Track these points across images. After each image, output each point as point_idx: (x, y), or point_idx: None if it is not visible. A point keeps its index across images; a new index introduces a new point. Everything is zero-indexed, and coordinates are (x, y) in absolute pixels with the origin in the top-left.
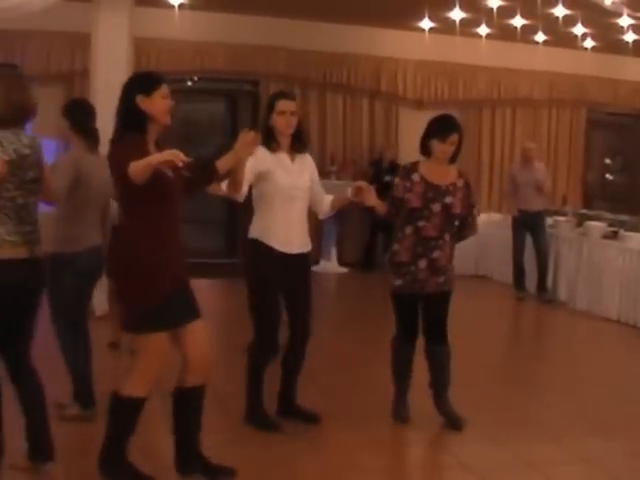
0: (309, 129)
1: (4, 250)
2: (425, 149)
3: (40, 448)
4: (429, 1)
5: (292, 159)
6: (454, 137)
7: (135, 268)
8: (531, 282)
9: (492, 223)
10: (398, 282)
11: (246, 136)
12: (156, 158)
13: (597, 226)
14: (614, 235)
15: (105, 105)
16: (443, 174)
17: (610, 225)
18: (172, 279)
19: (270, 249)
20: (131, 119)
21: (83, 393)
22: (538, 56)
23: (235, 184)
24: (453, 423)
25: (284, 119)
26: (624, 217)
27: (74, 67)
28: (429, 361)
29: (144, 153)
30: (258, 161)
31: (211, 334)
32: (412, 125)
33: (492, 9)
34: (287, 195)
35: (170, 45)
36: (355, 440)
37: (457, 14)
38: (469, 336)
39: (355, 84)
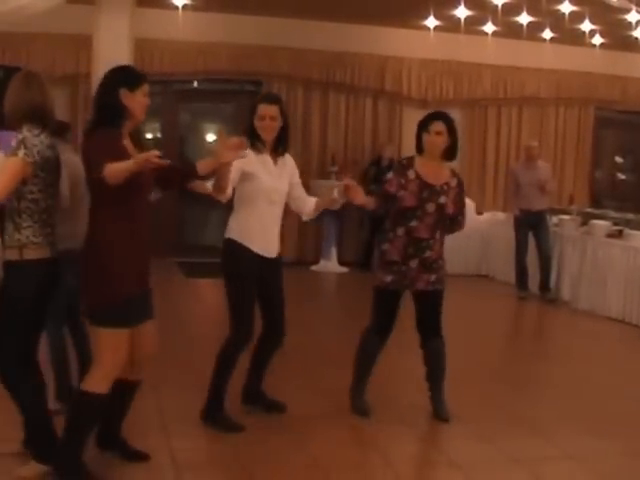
0: (311, 129)
1: (29, 251)
2: (418, 146)
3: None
4: None
5: (275, 162)
6: (438, 125)
7: (105, 261)
8: (534, 282)
9: (496, 222)
10: (388, 278)
11: (228, 141)
12: (133, 164)
13: (601, 225)
14: (619, 234)
15: None
16: (437, 173)
17: (616, 224)
18: (139, 276)
19: (248, 250)
20: (110, 112)
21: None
22: (545, 54)
23: (219, 187)
24: (440, 414)
25: (264, 124)
26: (630, 216)
27: (78, 69)
28: (426, 355)
29: (120, 149)
30: (244, 161)
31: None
32: (416, 125)
33: (498, 6)
34: (268, 198)
35: (172, 46)
36: (344, 436)
37: (462, 12)
38: (470, 335)
39: (359, 83)
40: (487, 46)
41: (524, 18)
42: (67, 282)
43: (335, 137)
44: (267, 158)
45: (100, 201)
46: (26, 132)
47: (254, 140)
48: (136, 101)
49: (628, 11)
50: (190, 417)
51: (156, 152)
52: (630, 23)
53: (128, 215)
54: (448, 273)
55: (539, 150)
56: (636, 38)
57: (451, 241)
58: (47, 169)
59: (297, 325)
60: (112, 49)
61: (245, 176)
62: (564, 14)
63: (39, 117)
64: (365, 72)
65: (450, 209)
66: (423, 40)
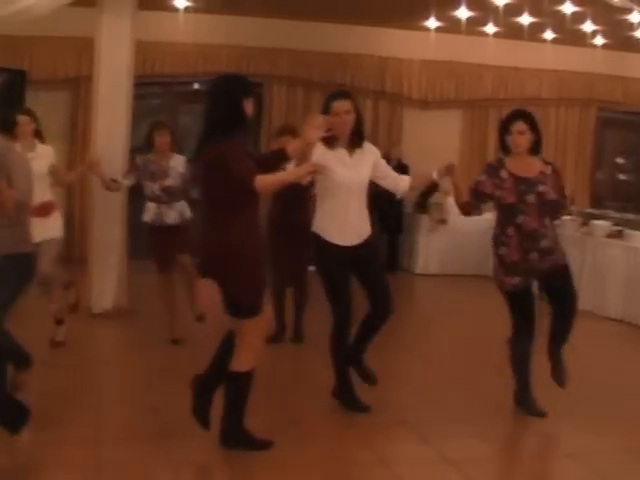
0: None
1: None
2: (504, 147)
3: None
4: (435, 0)
5: (351, 154)
6: (519, 125)
7: (250, 260)
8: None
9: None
10: (515, 280)
11: (314, 120)
12: (291, 176)
13: (602, 225)
14: (619, 234)
15: (108, 108)
16: (529, 166)
17: (616, 224)
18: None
19: (327, 244)
20: (237, 120)
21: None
22: (546, 54)
23: (304, 162)
24: (558, 375)
25: (340, 119)
26: (630, 216)
27: (81, 72)
28: (555, 325)
29: (250, 157)
30: (318, 159)
31: None
32: (417, 126)
33: (499, 7)
34: (347, 190)
35: (173, 48)
36: (341, 435)
37: (463, 13)
38: (470, 335)
39: (359, 85)
40: (488, 47)
41: (525, 19)
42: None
43: None
44: (342, 151)
45: (234, 209)
46: None
47: (328, 138)
48: (250, 109)
49: (630, 11)
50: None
51: (315, 164)
52: (632, 24)
53: (256, 215)
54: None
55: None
56: (638, 39)
57: (451, 242)
58: None
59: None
60: (114, 51)
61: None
62: (566, 15)
63: None
64: (365, 73)
65: (552, 195)
66: (424, 41)
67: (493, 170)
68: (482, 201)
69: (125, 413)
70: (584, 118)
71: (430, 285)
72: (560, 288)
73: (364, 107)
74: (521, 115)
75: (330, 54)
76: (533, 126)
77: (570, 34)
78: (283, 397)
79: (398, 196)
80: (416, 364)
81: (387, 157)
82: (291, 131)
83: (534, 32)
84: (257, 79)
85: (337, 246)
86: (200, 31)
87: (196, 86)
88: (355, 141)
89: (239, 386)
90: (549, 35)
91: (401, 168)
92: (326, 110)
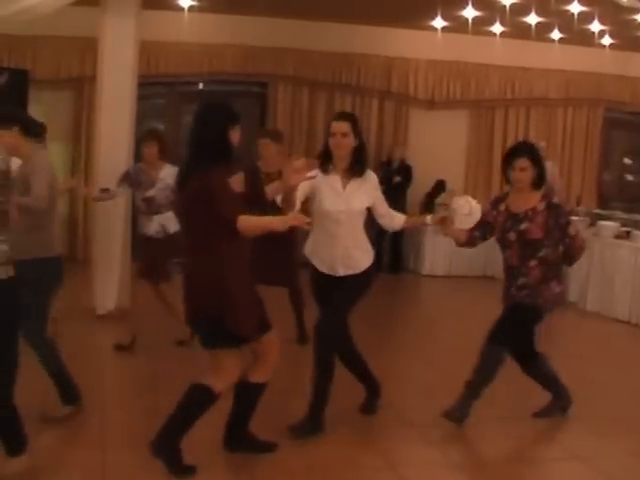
0: (316, 130)
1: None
2: (507, 180)
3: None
4: None
5: (345, 183)
6: (522, 162)
7: (235, 298)
8: None
9: None
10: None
11: (294, 164)
12: (275, 224)
13: (609, 226)
14: (626, 235)
15: (112, 108)
16: (525, 200)
17: (624, 225)
18: (255, 302)
19: (314, 269)
20: (223, 150)
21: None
22: (553, 54)
23: (287, 204)
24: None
25: (334, 140)
26: (638, 217)
27: (84, 72)
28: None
29: (235, 192)
30: (310, 181)
31: None
32: (423, 126)
33: (506, 7)
34: (333, 219)
35: (178, 47)
36: (346, 437)
37: (470, 12)
38: (474, 336)
39: (365, 85)
40: (495, 47)
41: (532, 18)
42: (46, 289)
43: None
44: (335, 178)
45: (217, 239)
46: None
47: (325, 160)
48: (236, 137)
49: (638, 11)
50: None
51: (305, 218)
52: None
53: (241, 245)
54: (544, 299)
55: (547, 151)
56: None
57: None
58: (7, 176)
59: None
60: (118, 51)
61: (311, 195)
62: (573, 14)
63: None
64: (371, 73)
65: (535, 234)
66: (430, 41)
67: (495, 202)
68: (485, 231)
69: (129, 415)
70: (591, 118)
71: (436, 286)
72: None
73: (370, 107)
74: (524, 151)
75: (336, 54)
76: (536, 161)
77: (578, 34)
78: (286, 400)
79: (390, 231)
80: (421, 365)
81: (391, 157)
82: (271, 135)
83: (541, 32)
84: (262, 79)
85: (322, 274)
86: (205, 31)
87: (201, 86)
88: (354, 169)
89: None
90: (556, 35)
91: (404, 169)
92: (328, 130)
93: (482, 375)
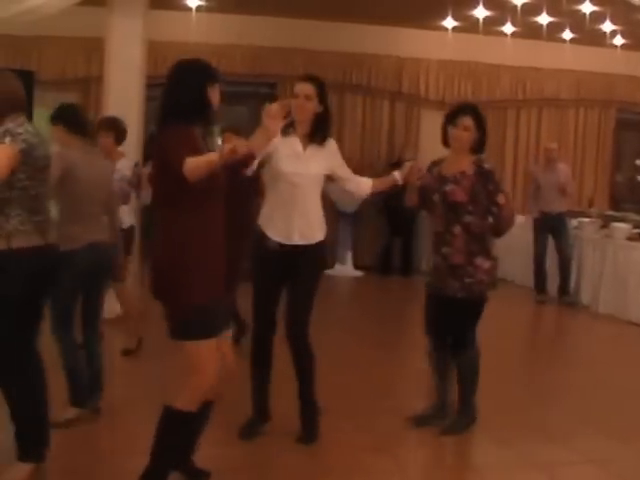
0: None
1: (18, 239)
2: (445, 139)
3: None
4: None
5: (305, 146)
6: (466, 120)
7: (185, 268)
8: (553, 285)
9: (515, 225)
10: (428, 278)
11: (270, 109)
12: (218, 157)
13: (622, 228)
14: (639, 237)
15: (119, 108)
16: (457, 164)
17: (636, 227)
18: (218, 281)
19: (267, 238)
20: (201, 109)
21: (81, 393)
22: (565, 55)
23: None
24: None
25: (297, 102)
26: None
27: (90, 72)
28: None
29: (199, 146)
30: None
31: None
32: (434, 127)
33: (517, 7)
34: (290, 182)
35: (186, 48)
36: (355, 440)
37: (481, 12)
38: (487, 340)
39: (375, 85)
40: (506, 47)
41: (544, 18)
42: (65, 283)
43: (351, 139)
44: (294, 140)
45: (174, 207)
46: (9, 123)
47: (287, 124)
48: (216, 96)
49: None
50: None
51: (241, 143)
52: None
53: (205, 222)
54: (483, 281)
55: (559, 152)
56: None
57: None
58: (35, 156)
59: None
60: (125, 51)
61: (267, 158)
62: (585, 14)
63: (20, 107)
64: (382, 73)
65: (458, 197)
66: (441, 41)
67: (431, 166)
68: (423, 196)
69: (138, 420)
70: (603, 119)
71: None
72: (451, 325)
73: (381, 108)
74: (470, 110)
75: (346, 54)
76: (480, 124)
77: (589, 34)
78: (296, 403)
79: (358, 198)
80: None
81: (401, 158)
82: (233, 129)
83: (553, 32)
84: (271, 79)
85: (276, 243)
86: (213, 31)
87: None
88: (314, 135)
89: (167, 425)
90: (568, 35)
91: None
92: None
93: (468, 383)
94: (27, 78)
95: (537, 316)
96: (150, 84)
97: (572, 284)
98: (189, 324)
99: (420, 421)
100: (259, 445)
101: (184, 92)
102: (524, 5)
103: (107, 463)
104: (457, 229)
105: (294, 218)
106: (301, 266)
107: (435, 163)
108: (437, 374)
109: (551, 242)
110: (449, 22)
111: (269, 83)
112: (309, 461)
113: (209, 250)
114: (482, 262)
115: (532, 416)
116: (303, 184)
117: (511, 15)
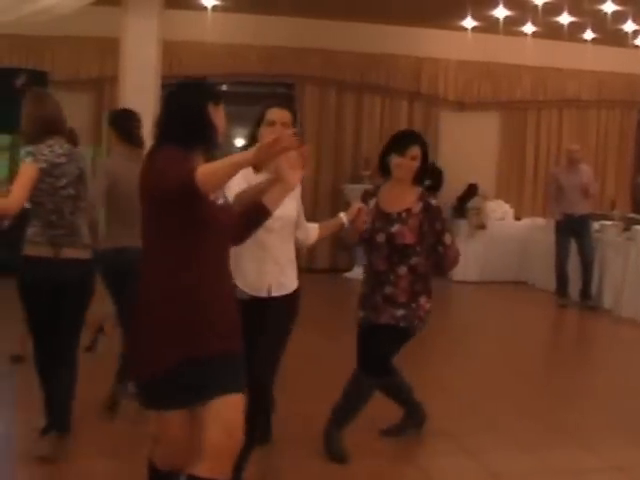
0: (344, 132)
1: (29, 248)
2: (384, 168)
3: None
4: None
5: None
6: (415, 150)
7: (146, 323)
8: (574, 289)
9: (535, 228)
10: (360, 314)
11: (290, 156)
12: (254, 153)
13: None
14: None
15: (134, 109)
16: (400, 199)
17: None
18: (219, 337)
19: (239, 291)
20: (199, 130)
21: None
22: (586, 55)
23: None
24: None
25: (273, 130)
26: None
27: (104, 73)
28: (349, 386)
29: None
30: (238, 181)
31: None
32: (453, 128)
33: (538, 6)
34: (264, 227)
35: (201, 48)
36: (381, 448)
37: (501, 12)
38: (509, 344)
39: (394, 86)
40: (526, 47)
41: (565, 18)
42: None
43: (369, 140)
44: (265, 177)
45: (171, 244)
46: (40, 144)
47: None
48: (220, 117)
49: None
50: None
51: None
52: None
53: (212, 264)
54: (424, 321)
55: (581, 154)
56: None
57: (489, 248)
58: (55, 174)
59: (323, 330)
60: (140, 51)
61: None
62: (606, 14)
63: (55, 131)
64: (400, 74)
65: (406, 239)
66: (460, 41)
67: (366, 196)
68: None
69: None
70: (625, 120)
71: (468, 293)
72: (374, 349)
73: (399, 108)
74: (418, 139)
75: (363, 54)
76: (425, 154)
77: (611, 34)
78: (323, 410)
79: (305, 247)
80: (453, 373)
81: None
82: None
83: (574, 32)
84: (288, 80)
85: (249, 296)
86: (229, 31)
87: (225, 87)
88: None
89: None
90: (589, 35)
91: (435, 173)
92: (260, 118)
93: (352, 403)
94: (40, 78)
95: (559, 320)
96: (165, 84)
97: (594, 287)
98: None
99: (391, 432)
100: (282, 451)
101: (182, 114)
102: (545, 5)
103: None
104: (402, 270)
105: (268, 268)
106: (273, 316)
107: (369, 193)
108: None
109: (573, 245)
110: (469, 22)
111: (286, 84)
112: (338, 472)
113: (219, 295)
114: (425, 302)
115: (554, 421)
116: (279, 229)
117: (532, 15)
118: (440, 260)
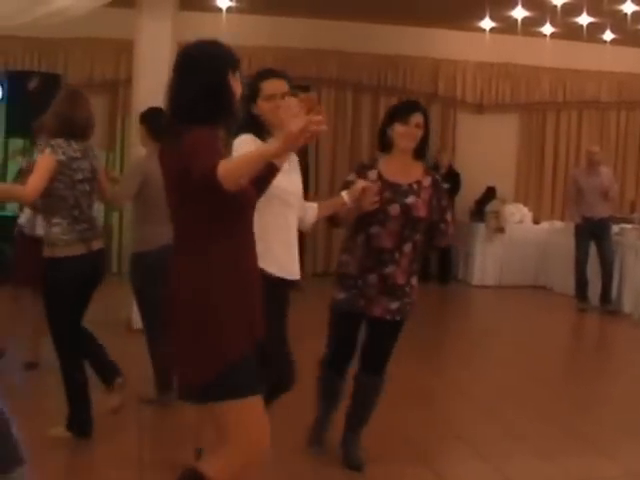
0: (360, 134)
1: (60, 249)
2: (385, 142)
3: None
4: (490, 0)
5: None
6: (418, 117)
7: (211, 314)
8: (594, 293)
9: (554, 231)
10: (341, 295)
11: (288, 105)
12: (280, 145)
13: None
14: None
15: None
16: (406, 171)
17: None
18: (255, 326)
19: (268, 276)
20: (222, 105)
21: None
22: (606, 56)
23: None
24: (351, 460)
25: (274, 103)
26: None
27: (118, 75)
28: (353, 389)
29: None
30: (248, 142)
31: None
32: (471, 130)
33: (557, 7)
34: (284, 202)
35: None
36: (396, 452)
37: (519, 13)
38: (528, 349)
39: (411, 87)
40: (545, 48)
41: (584, 19)
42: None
43: None
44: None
45: (201, 236)
46: (59, 139)
47: (257, 130)
48: (238, 87)
49: None
50: None
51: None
52: None
53: (236, 247)
54: (415, 302)
55: (601, 155)
56: None
57: (508, 251)
58: (73, 168)
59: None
60: (154, 53)
61: None
62: (626, 14)
63: (78, 135)
64: (418, 75)
65: (421, 211)
66: (478, 42)
67: (361, 168)
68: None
69: (167, 433)
70: None
71: (486, 297)
72: (374, 348)
73: None
74: (421, 108)
75: (380, 56)
76: (427, 124)
77: (631, 34)
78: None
79: (304, 229)
80: (472, 377)
81: (437, 163)
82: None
83: (593, 33)
84: (305, 82)
85: (276, 279)
86: (244, 32)
87: None
88: None
89: None
90: (608, 36)
91: (452, 175)
92: (254, 92)
93: (371, 409)
94: (54, 81)
95: (578, 324)
96: None
97: (614, 291)
98: (226, 379)
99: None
100: (302, 457)
101: (206, 91)
102: (564, 5)
103: (134, 476)
104: (408, 247)
105: (293, 247)
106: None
107: (365, 166)
108: (328, 399)
109: (593, 248)
110: (487, 23)
111: (302, 86)
112: (347, 473)
113: (239, 293)
114: (415, 281)
115: (573, 427)
116: (293, 202)
117: (550, 16)
118: (439, 237)
